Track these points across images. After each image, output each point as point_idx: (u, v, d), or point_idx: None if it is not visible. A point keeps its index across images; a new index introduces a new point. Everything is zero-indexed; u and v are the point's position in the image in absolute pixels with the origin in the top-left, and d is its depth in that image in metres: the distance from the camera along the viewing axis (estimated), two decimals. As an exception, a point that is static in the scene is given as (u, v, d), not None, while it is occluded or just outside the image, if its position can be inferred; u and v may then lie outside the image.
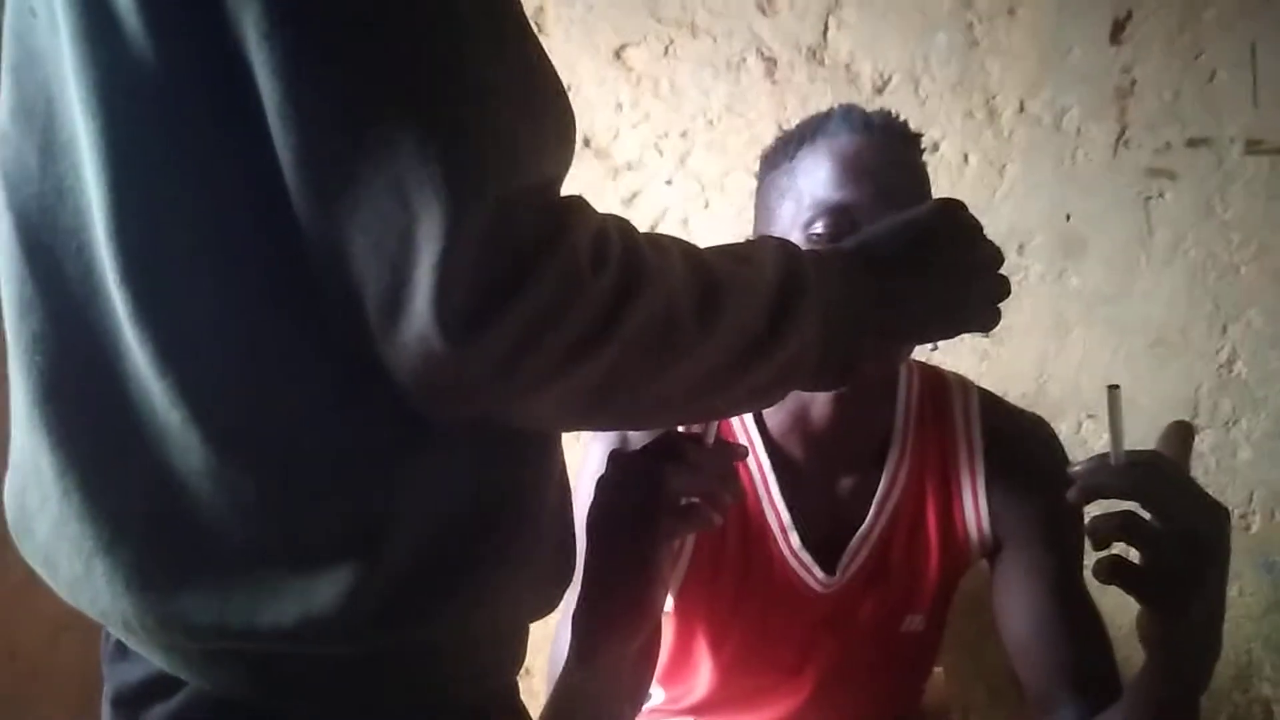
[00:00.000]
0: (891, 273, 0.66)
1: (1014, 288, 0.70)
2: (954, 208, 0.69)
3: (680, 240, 0.58)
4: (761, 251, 0.62)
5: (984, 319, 0.70)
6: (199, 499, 0.52)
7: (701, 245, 0.60)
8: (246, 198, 0.50)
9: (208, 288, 0.51)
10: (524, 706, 0.68)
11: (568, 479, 0.65)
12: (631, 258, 0.52)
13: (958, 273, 0.68)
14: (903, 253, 0.66)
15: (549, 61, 0.54)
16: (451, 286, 0.46)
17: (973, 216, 0.70)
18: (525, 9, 0.53)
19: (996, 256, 0.70)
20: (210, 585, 0.52)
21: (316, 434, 0.52)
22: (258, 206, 0.49)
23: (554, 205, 0.50)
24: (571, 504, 0.65)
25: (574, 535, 0.65)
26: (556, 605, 0.64)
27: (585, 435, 1.11)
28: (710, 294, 0.56)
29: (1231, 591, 1.51)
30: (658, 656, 0.83)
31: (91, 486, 0.54)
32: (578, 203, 0.52)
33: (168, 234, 0.50)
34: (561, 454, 0.64)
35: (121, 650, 0.60)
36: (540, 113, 0.52)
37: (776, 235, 0.93)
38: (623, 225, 0.54)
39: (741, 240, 0.67)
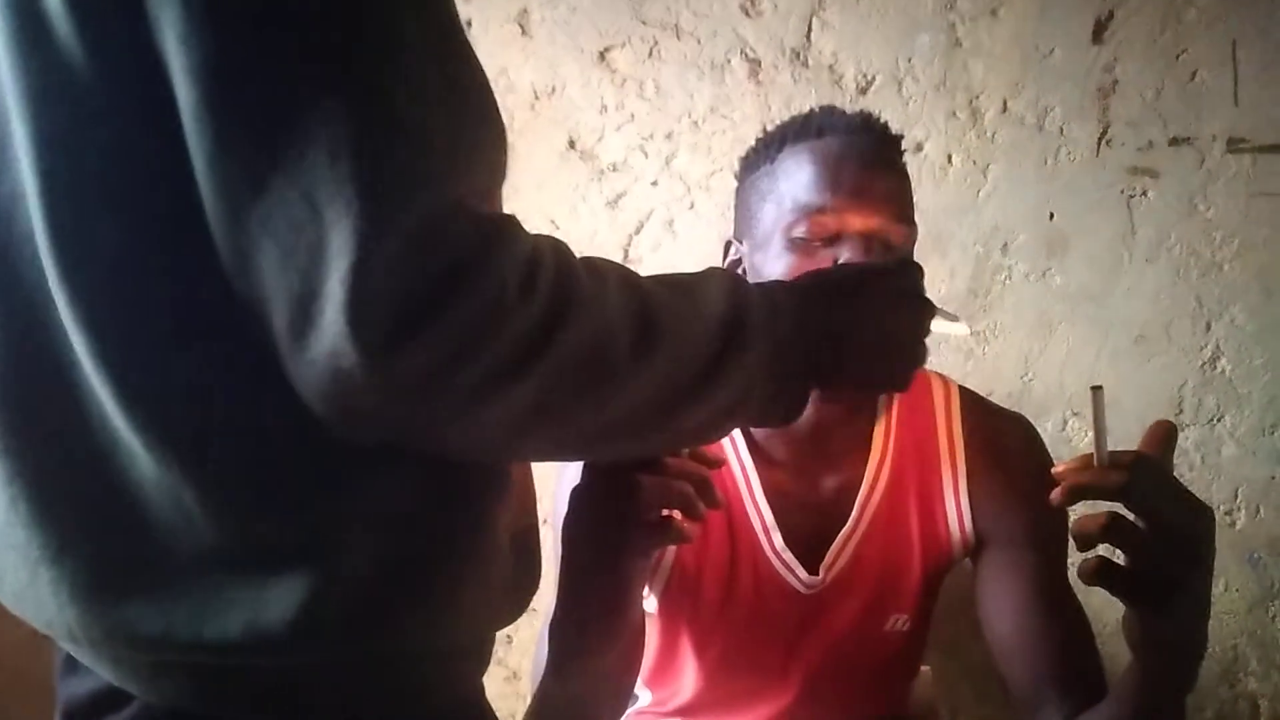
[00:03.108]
0: (833, 316, 0.66)
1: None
2: (903, 271, 0.71)
3: (621, 267, 0.56)
4: (708, 284, 0.60)
5: (895, 383, 0.72)
6: (146, 508, 0.51)
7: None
8: (176, 204, 0.48)
9: (145, 294, 0.50)
10: (490, 709, 0.66)
11: (532, 484, 0.63)
12: (564, 284, 0.50)
13: (883, 333, 0.69)
14: (846, 299, 0.67)
15: (481, 69, 0.53)
16: (364, 301, 0.44)
17: (918, 284, 0.71)
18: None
19: (921, 323, 0.71)
20: (156, 596, 0.51)
21: (263, 443, 0.51)
22: (188, 213, 0.48)
23: (482, 223, 0.48)
24: (535, 511, 0.64)
25: (536, 543, 0.64)
26: (519, 614, 0.63)
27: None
28: (648, 326, 0.54)
29: (1217, 587, 1.52)
30: (640, 661, 0.83)
31: (39, 494, 0.53)
32: (509, 222, 0.50)
33: (101, 239, 0.49)
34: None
35: (71, 664, 0.59)
36: (470, 125, 0.51)
37: (758, 237, 0.93)
38: (559, 248, 0.52)
39: (694, 268, 0.65)
